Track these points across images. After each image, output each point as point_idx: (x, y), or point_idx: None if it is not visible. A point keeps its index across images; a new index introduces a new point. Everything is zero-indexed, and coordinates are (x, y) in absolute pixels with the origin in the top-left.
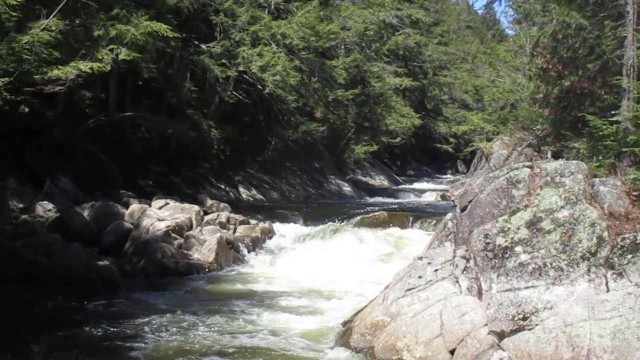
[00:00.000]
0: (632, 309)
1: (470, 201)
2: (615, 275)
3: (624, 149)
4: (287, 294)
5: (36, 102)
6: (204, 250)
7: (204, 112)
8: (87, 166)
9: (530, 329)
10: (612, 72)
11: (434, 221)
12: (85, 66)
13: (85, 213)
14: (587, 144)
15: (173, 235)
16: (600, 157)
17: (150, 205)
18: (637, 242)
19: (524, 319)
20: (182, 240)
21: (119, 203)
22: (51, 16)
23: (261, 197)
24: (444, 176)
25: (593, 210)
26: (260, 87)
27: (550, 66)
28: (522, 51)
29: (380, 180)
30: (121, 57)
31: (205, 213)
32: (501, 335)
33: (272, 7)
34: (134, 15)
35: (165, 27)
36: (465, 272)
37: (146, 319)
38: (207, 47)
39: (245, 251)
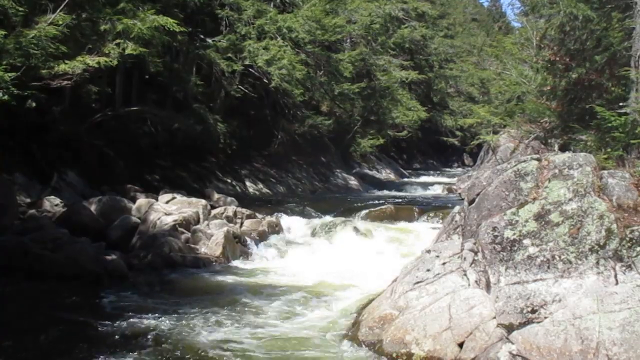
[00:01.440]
0: None
1: (478, 194)
2: (624, 268)
3: (632, 141)
4: (294, 288)
5: (43, 96)
6: (211, 244)
7: (210, 106)
8: (94, 161)
9: (539, 322)
10: (620, 63)
11: (441, 214)
12: (92, 61)
13: (93, 207)
14: (594, 136)
15: (180, 229)
16: (609, 149)
17: (157, 200)
18: None
19: (533, 311)
20: (189, 234)
21: (125, 197)
22: (57, 10)
23: (268, 191)
24: (451, 169)
25: (601, 203)
26: (266, 81)
27: (557, 58)
28: (529, 43)
29: (386, 174)
30: (128, 51)
31: (212, 207)
32: (510, 328)
33: (278, 0)
34: (140, 10)
35: (171, 22)
36: (473, 265)
37: (154, 313)
38: (212, 41)
39: (252, 245)
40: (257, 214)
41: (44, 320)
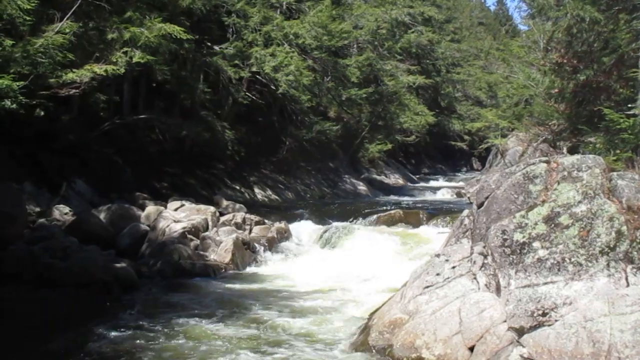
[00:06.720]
0: None
1: (487, 197)
2: (635, 270)
3: None
4: (304, 294)
5: (51, 105)
6: (220, 251)
7: (218, 113)
8: (103, 169)
9: (550, 325)
10: (628, 65)
11: (450, 218)
12: (99, 69)
13: (102, 216)
14: (603, 138)
15: (189, 236)
16: (618, 151)
17: (166, 207)
18: None
19: (544, 314)
20: (198, 242)
21: (134, 205)
22: (64, 19)
23: (276, 197)
24: (459, 174)
25: (611, 205)
26: (274, 88)
27: (565, 61)
28: (536, 46)
29: (395, 179)
30: (135, 59)
31: (221, 214)
32: (520, 332)
33: (284, 7)
34: (147, 18)
35: (178, 29)
36: (483, 268)
37: (164, 321)
38: (219, 48)
39: (261, 251)
40: (266, 221)
41: (52, 329)
